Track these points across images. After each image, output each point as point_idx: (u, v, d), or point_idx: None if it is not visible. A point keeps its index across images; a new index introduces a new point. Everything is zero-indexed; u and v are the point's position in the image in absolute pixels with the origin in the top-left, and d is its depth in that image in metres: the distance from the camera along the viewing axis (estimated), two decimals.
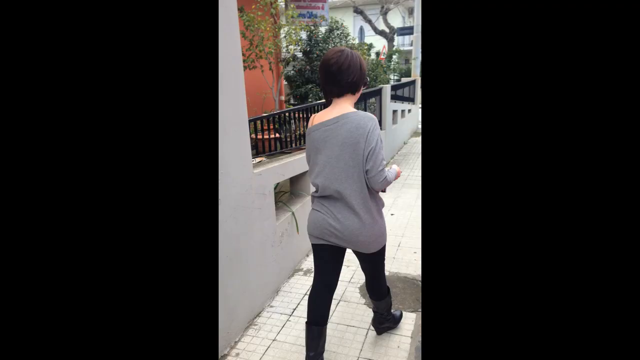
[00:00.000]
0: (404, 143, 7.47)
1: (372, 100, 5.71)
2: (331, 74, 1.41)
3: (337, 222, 1.50)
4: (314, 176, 1.53)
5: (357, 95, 1.52)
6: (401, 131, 7.17)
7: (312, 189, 1.79)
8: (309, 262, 2.89)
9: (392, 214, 3.84)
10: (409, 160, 6.24)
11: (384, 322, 2.02)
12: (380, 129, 5.41)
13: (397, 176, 1.61)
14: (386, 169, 1.47)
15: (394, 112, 6.44)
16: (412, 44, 10.70)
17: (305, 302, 2.36)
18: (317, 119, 1.51)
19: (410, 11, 21.15)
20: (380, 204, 1.59)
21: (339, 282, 1.86)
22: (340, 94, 1.46)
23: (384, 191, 1.59)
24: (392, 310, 2.07)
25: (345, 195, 1.46)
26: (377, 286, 1.87)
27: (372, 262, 1.77)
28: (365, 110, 4.88)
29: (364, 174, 1.43)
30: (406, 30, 13.49)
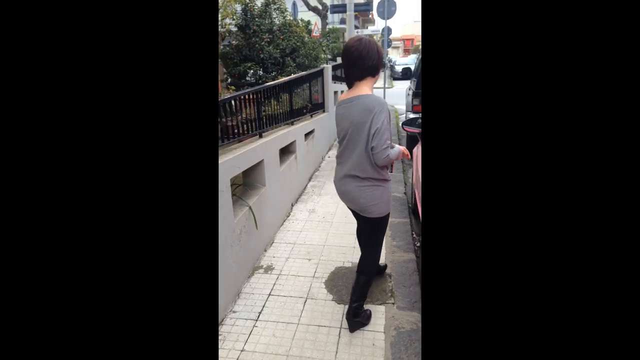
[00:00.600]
0: None
1: (314, 82, 5.54)
2: (353, 59, 1.66)
3: (342, 185, 1.83)
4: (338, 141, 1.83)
5: (377, 77, 1.75)
6: None
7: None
8: (268, 258, 2.73)
9: None
10: None
11: (358, 316, 1.99)
12: (324, 111, 5.38)
13: (400, 156, 1.79)
14: (389, 148, 1.67)
15: (335, 93, 6.35)
16: (343, 22, 10.59)
17: (270, 304, 2.21)
18: (342, 96, 1.77)
19: None
20: (383, 175, 1.78)
21: (303, 277, 2.36)
22: (362, 77, 1.70)
23: (390, 171, 1.84)
24: (364, 307, 2.05)
25: (348, 165, 1.76)
26: (364, 257, 2.00)
27: (368, 228, 1.92)
28: (309, 92, 4.71)
29: (368, 150, 1.67)
30: (339, 8, 13.33)
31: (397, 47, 48.22)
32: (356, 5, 10.36)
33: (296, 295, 2.30)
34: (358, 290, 1.97)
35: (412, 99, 5.22)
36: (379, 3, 9.91)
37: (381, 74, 1.81)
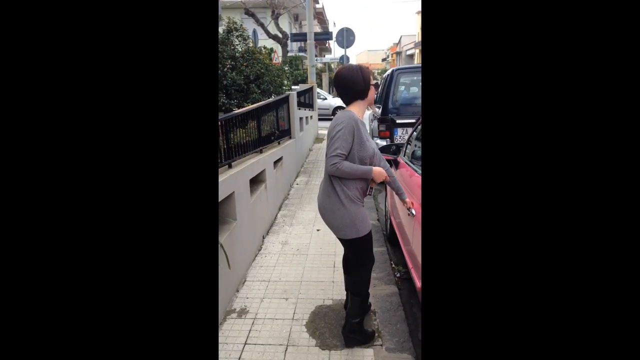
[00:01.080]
0: (310, 150, 7.37)
1: (280, 108, 5.45)
2: (341, 85, 1.84)
3: (319, 200, 1.93)
4: None
5: (367, 100, 1.88)
6: (307, 138, 7.06)
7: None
8: (241, 299, 2.49)
9: (317, 230, 3.63)
10: (319, 167, 6.14)
11: (354, 332, 2.01)
12: (290, 137, 5.26)
13: (371, 175, 1.80)
14: (342, 159, 1.72)
15: (300, 119, 6.28)
16: (301, 50, 10.72)
17: (247, 354, 1.97)
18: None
19: (296, 17, 21.46)
20: (347, 193, 1.80)
21: (281, 321, 2.25)
22: (351, 100, 1.86)
23: (369, 193, 1.89)
24: (364, 326, 2.07)
25: (324, 179, 1.90)
26: (355, 281, 2.02)
27: (350, 250, 1.98)
28: (276, 118, 4.59)
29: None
30: (299, 37, 13.54)
31: None
32: (316, 34, 10.57)
33: (275, 342, 2.07)
34: (354, 310, 2.00)
35: (379, 125, 5.24)
36: (338, 32, 10.18)
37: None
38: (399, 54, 56.58)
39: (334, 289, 2.58)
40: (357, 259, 1.96)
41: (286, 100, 5.29)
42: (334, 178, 1.80)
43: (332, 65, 19.46)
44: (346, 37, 9.82)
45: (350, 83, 1.80)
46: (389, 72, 5.68)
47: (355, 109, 1.86)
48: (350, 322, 1.99)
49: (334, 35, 10.51)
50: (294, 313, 2.34)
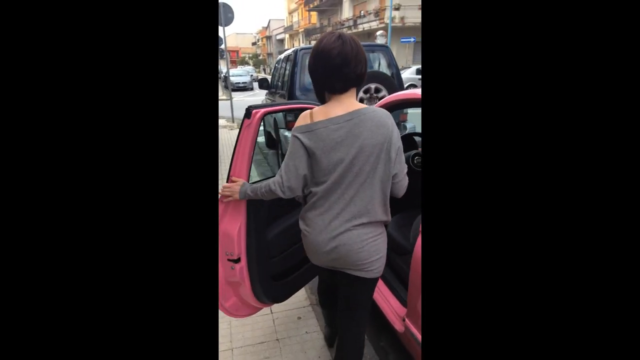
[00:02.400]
0: None
1: None
2: (335, 66, 1.17)
3: (336, 239, 1.25)
4: (315, 180, 1.26)
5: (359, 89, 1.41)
6: None
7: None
8: None
9: None
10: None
11: None
12: None
13: None
14: None
15: None
16: None
17: None
18: (317, 115, 1.22)
19: None
20: (389, 215, 1.34)
21: None
22: (344, 89, 1.22)
23: None
24: None
25: (353, 207, 1.23)
26: (351, 342, 1.48)
27: (359, 294, 1.39)
28: None
29: (385, 181, 1.24)
30: None
31: (224, 59, 47.63)
32: None
33: None
34: None
35: (286, 115, 4.53)
36: None
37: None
38: (269, 38, 55.97)
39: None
40: (362, 307, 1.40)
41: None
42: (385, 201, 1.27)
43: None
44: (224, 14, 8.67)
45: (353, 62, 1.17)
46: (289, 52, 4.96)
47: (354, 100, 1.24)
48: None
49: None
50: None
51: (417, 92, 1.85)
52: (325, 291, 1.72)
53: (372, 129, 1.18)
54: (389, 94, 4.37)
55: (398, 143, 1.24)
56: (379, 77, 4.22)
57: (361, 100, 4.16)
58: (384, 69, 4.83)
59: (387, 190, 1.26)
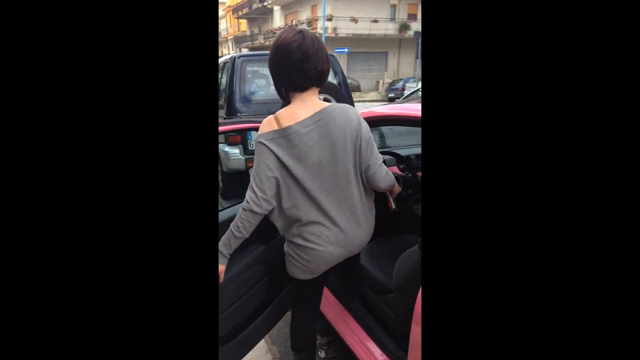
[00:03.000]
0: None
1: None
2: (294, 61, 1.13)
3: (344, 234, 1.27)
4: (294, 191, 1.20)
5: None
6: None
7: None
8: None
9: None
10: None
11: None
12: None
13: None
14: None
15: None
16: None
17: None
18: (285, 119, 1.16)
19: None
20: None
21: None
22: (304, 88, 1.18)
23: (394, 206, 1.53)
24: None
25: (350, 203, 1.26)
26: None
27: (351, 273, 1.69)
28: None
29: (360, 176, 1.26)
30: None
31: None
32: None
33: None
34: None
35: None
36: None
37: None
38: None
39: None
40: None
41: None
42: (368, 196, 1.33)
43: None
44: None
45: (313, 58, 1.14)
46: (226, 60, 4.50)
47: (316, 99, 1.21)
48: None
49: None
50: None
51: (398, 108, 1.58)
52: (310, 324, 1.53)
53: (341, 125, 1.17)
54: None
55: (368, 134, 1.24)
56: (328, 87, 3.94)
57: None
58: (330, 78, 4.57)
59: (365, 184, 1.29)
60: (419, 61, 16.94)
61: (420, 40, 15.66)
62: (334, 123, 1.16)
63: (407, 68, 25.38)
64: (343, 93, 4.07)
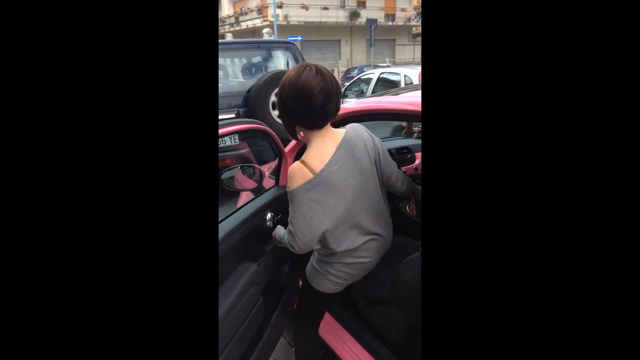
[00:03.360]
0: None
1: None
2: (318, 105, 1.08)
3: (384, 240, 1.34)
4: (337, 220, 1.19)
5: None
6: None
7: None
8: None
9: None
10: None
11: None
12: None
13: None
14: None
15: None
16: None
17: None
18: (313, 162, 1.13)
19: None
20: None
21: None
22: (322, 125, 1.16)
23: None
24: None
25: (382, 210, 1.30)
26: None
27: None
28: None
29: (383, 187, 1.31)
30: None
31: None
32: None
33: None
34: None
35: None
36: None
37: None
38: None
39: None
40: None
41: None
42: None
43: None
44: None
45: (334, 97, 1.10)
46: None
47: (330, 128, 1.21)
48: None
49: None
50: None
51: (385, 101, 1.45)
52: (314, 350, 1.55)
53: (362, 148, 1.20)
54: None
55: (381, 146, 1.28)
56: None
57: (273, 104, 3.67)
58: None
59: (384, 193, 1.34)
60: (372, 49, 17.03)
61: (373, 28, 15.70)
62: (357, 149, 1.18)
63: (360, 56, 25.54)
64: None
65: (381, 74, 5.92)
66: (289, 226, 1.18)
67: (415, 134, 2.44)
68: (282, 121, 1.19)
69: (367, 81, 6.14)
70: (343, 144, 1.15)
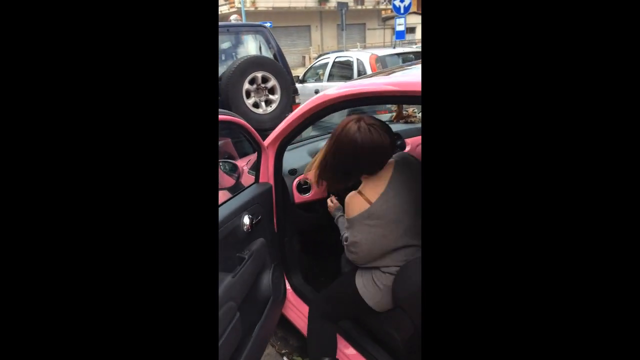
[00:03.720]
0: None
1: None
2: (373, 156, 1.20)
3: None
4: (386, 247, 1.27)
5: None
6: None
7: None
8: None
9: None
10: None
11: None
12: None
13: None
14: None
15: None
16: None
17: None
18: (370, 194, 1.22)
19: None
20: None
21: None
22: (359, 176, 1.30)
23: None
24: None
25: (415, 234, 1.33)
26: None
27: None
28: None
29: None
30: None
31: None
32: None
33: None
34: None
35: None
36: None
37: None
38: None
39: None
40: None
41: None
42: None
43: None
44: None
45: (379, 145, 1.19)
46: None
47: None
48: None
49: None
50: None
51: (357, 85, 1.28)
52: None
53: (412, 174, 1.26)
54: (279, 82, 3.72)
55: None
56: (264, 64, 3.53)
57: (247, 92, 3.45)
58: (264, 51, 4.15)
59: None
60: (344, 33, 16.73)
61: (344, 11, 15.30)
62: (405, 175, 1.25)
63: (331, 41, 25.18)
64: (281, 67, 3.70)
65: (336, 58, 6.47)
66: (351, 246, 1.27)
67: (404, 119, 2.29)
68: (337, 177, 1.28)
69: (324, 66, 6.68)
70: (394, 174, 1.24)
